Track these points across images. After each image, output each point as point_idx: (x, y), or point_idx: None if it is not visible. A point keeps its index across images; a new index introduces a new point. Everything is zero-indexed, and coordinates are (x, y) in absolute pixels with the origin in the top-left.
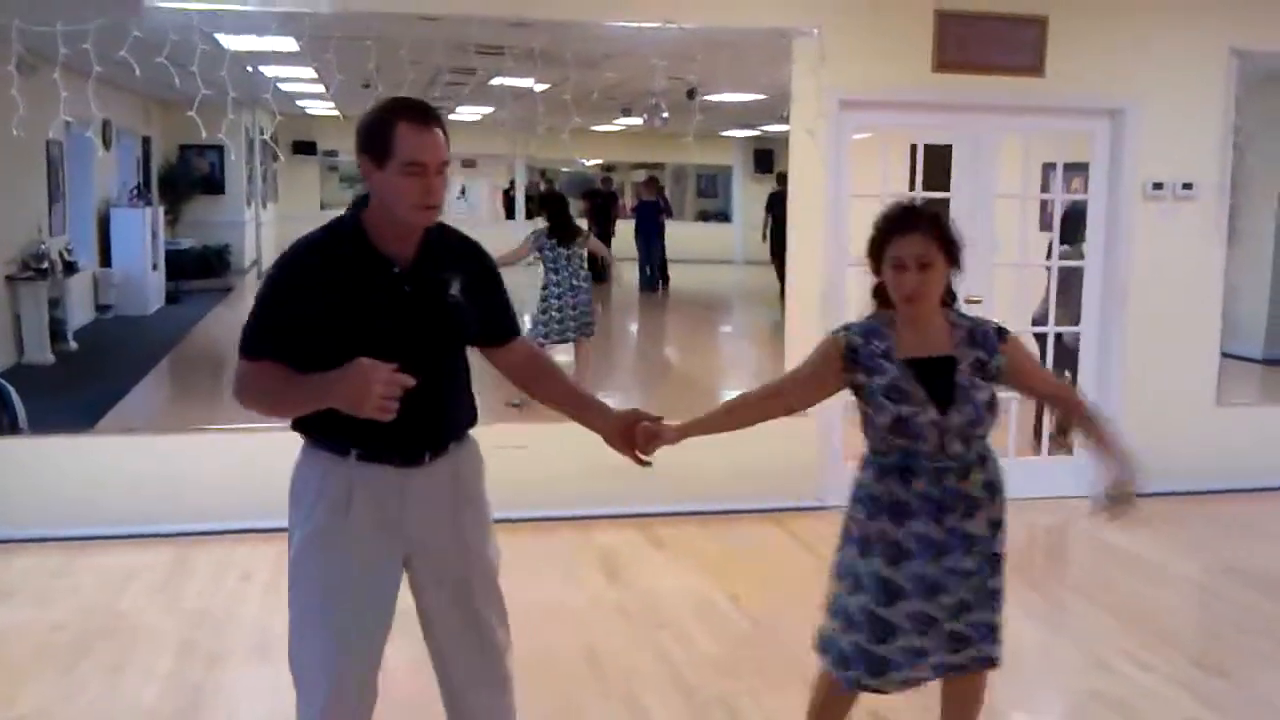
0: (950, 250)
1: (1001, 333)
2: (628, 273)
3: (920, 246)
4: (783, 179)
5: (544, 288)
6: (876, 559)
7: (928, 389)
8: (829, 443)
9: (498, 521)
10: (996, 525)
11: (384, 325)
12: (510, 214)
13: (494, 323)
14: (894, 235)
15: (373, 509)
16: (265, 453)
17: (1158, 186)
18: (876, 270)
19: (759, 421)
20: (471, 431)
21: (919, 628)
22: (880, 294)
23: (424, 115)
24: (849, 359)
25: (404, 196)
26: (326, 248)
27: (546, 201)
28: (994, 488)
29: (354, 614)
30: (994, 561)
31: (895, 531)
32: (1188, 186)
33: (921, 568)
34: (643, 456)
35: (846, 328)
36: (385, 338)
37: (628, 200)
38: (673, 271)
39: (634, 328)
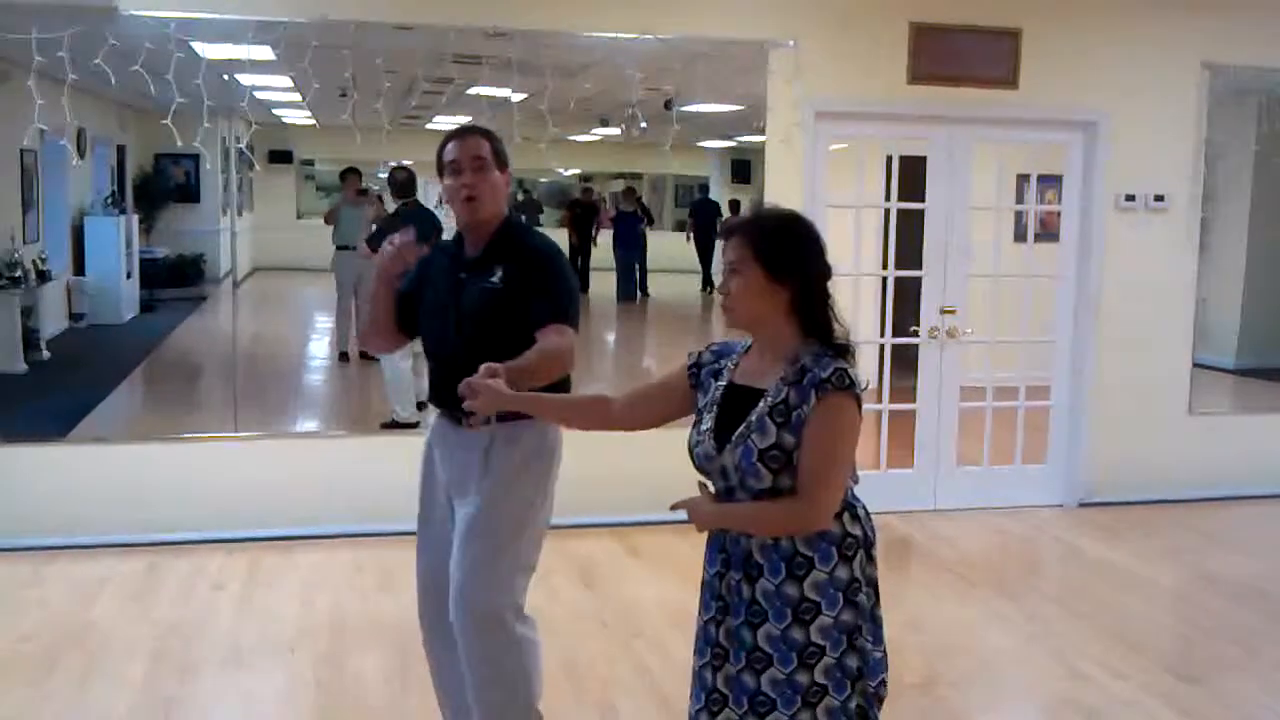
0: (770, 262)
1: (826, 385)
2: (605, 283)
3: (733, 252)
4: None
5: None
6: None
7: (723, 420)
8: None
9: None
10: (793, 607)
11: (433, 299)
12: None
13: (525, 310)
14: (722, 241)
15: (432, 452)
16: (237, 463)
17: (1130, 198)
18: None
19: (581, 424)
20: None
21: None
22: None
23: (462, 129)
24: (693, 373)
25: (450, 194)
26: (445, 247)
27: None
28: (792, 563)
29: (421, 531)
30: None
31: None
32: (1160, 198)
33: (701, 623)
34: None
35: (711, 344)
36: (435, 309)
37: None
38: (649, 280)
39: (611, 337)
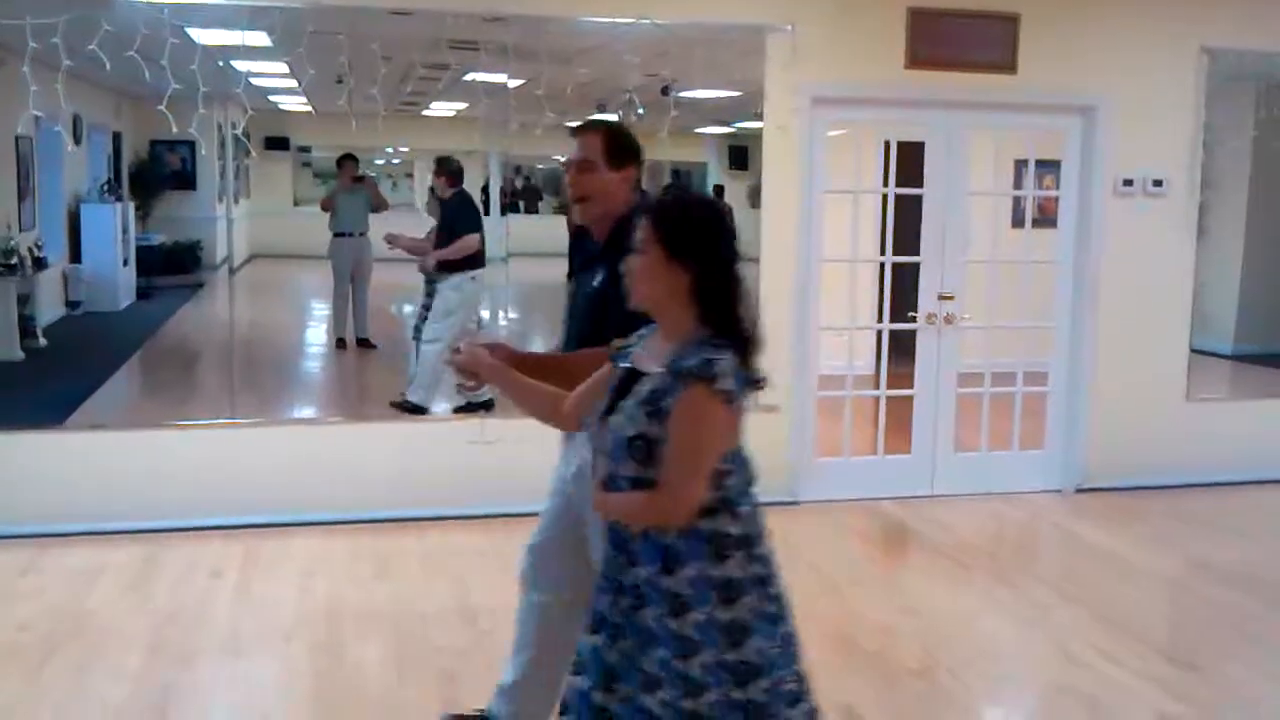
0: (670, 243)
1: (690, 375)
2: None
3: (639, 232)
4: (704, 175)
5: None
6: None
7: (614, 404)
8: (802, 438)
9: (476, 517)
10: (667, 599)
11: (566, 307)
12: (485, 210)
13: (617, 315)
14: None
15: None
16: (234, 450)
17: (1128, 183)
18: None
19: (539, 416)
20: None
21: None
22: None
23: (580, 126)
24: (613, 361)
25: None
26: (585, 237)
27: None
28: (666, 555)
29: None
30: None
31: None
32: (1158, 183)
33: (595, 605)
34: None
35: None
36: (568, 306)
37: None
38: None
39: None
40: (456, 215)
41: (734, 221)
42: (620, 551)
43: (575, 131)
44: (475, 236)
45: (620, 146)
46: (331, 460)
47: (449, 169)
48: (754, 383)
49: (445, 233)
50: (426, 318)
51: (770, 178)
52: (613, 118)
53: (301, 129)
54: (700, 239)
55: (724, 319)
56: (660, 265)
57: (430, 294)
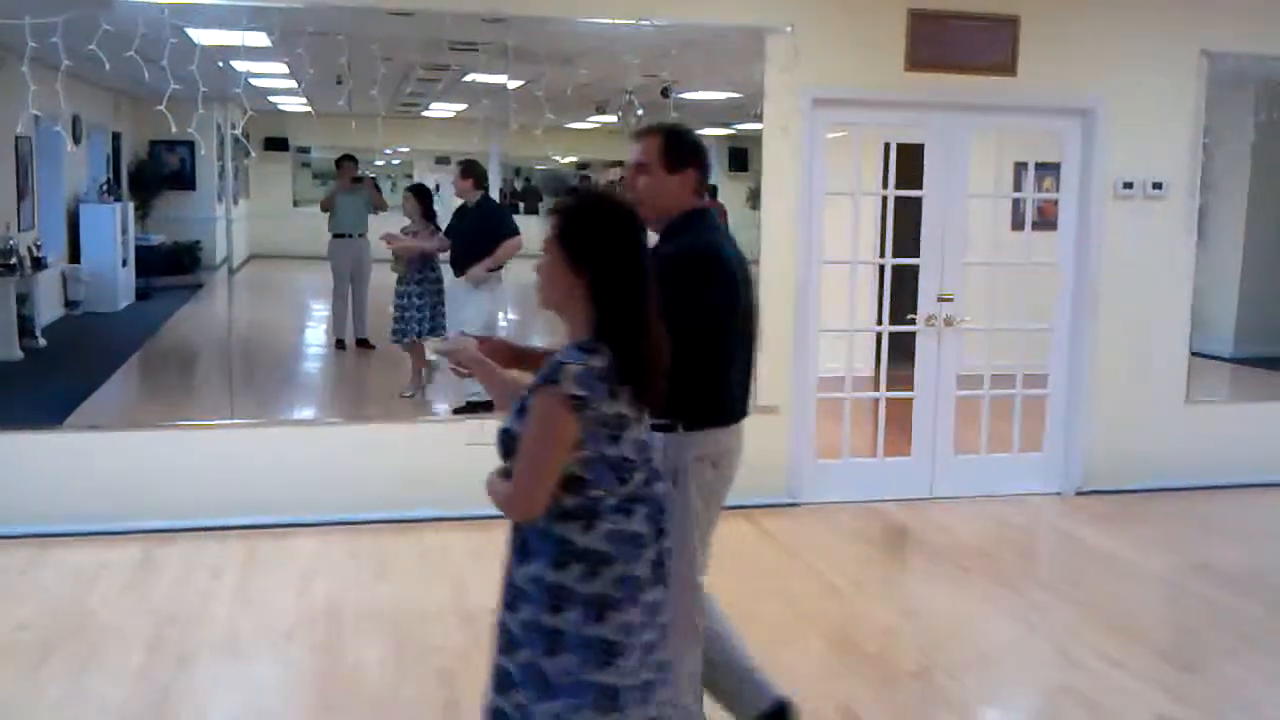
0: (571, 244)
1: (543, 378)
2: None
3: (547, 231)
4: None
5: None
6: None
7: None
8: (802, 440)
9: (475, 518)
10: (513, 588)
11: None
12: None
13: None
14: None
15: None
16: (234, 450)
17: (1128, 186)
18: None
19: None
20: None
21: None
22: None
23: (639, 130)
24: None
25: None
26: None
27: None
28: (521, 548)
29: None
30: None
31: None
32: (1158, 186)
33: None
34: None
35: None
36: None
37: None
38: None
39: None
40: (494, 219)
41: (639, 226)
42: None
43: (636, 135)
44: (519, 238)
45: (678, 149)
46: (331, 461)
47: (475, 172)
48: (644, 395)
49: (476, 238)
50: (403, 318)
51: (770, 179)
52: (612, 118)
53: (301, 129)
54: (598, 242)
55: (613, 324)
56: (559, 267)
57: (404, 294)
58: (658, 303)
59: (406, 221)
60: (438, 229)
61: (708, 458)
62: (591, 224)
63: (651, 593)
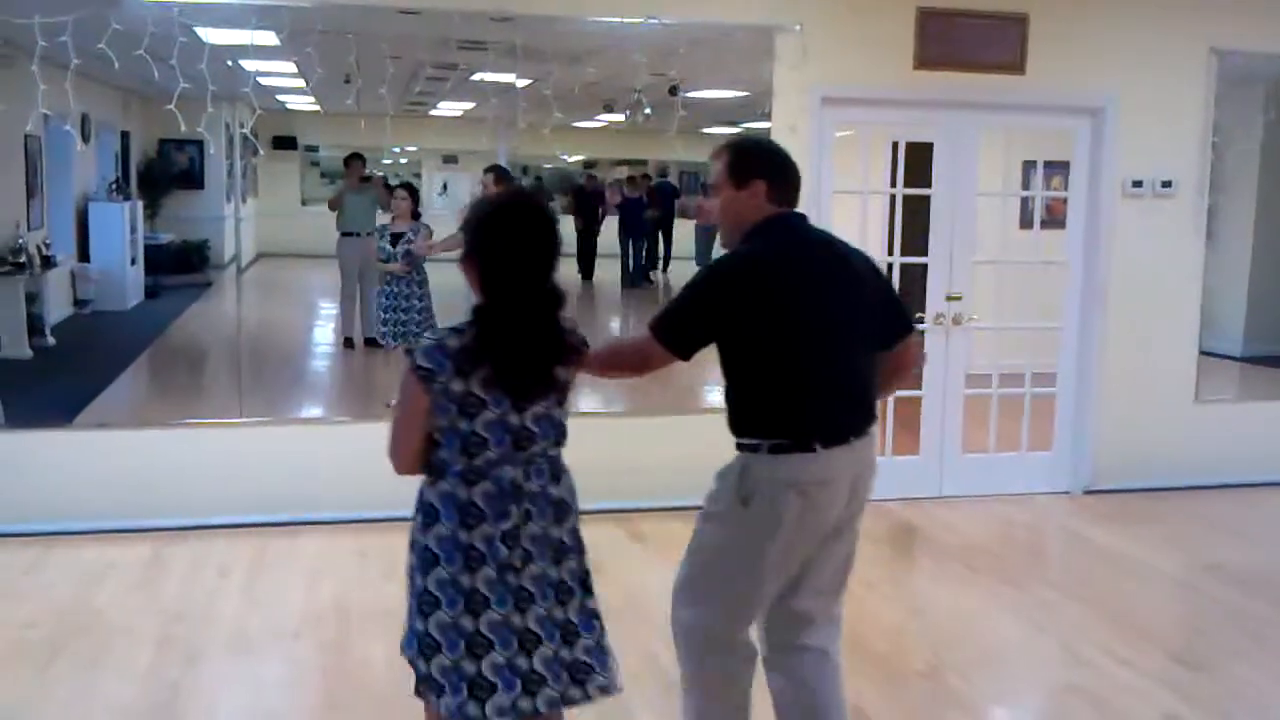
0: (469, 237)
1: (407, 353)
2: (609, 270)
3: None
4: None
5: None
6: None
7: None
8: None
9: None
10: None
11: None
12: None
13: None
14: None
15: None
16: (242, 449)
17: (1137, 184)
18: None
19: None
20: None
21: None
22: None
23: (714, 152)
24: None
25: None
26: None
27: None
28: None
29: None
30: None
31: None
32: (1167, 184)
33: None
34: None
35: None
36: None
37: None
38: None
39: (615, 325)
40: None
41: (531, 224)
42: None
43: (711, 159)
44: None
45: (742, 164)
46: (339, 459)
47: (508, 176)
48: (504, 378)
49: None
50: (402, 320)
51: None
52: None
53: (309, 128)
54: (482, 236)
55: (482, 309)
56: (466, 257)
57: (401, 295)
58: (555, 300)
59: (389, 218)
60: (428, 228)
61: (794, 485)
62: (483, 220)
63: (484, 571)
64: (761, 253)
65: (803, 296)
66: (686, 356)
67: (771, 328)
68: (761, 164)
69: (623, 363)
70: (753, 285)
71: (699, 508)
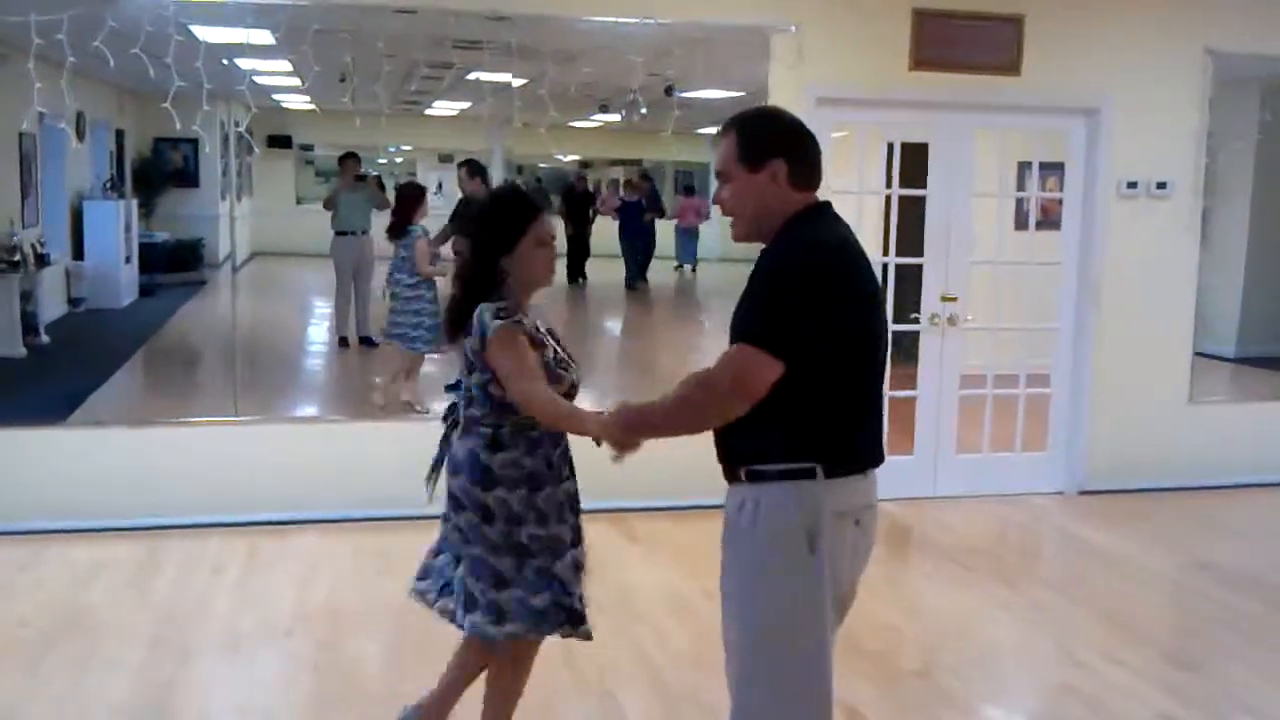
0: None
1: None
2: (605, 272)
3: None
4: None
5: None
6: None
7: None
8: None
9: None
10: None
11: None
12: None
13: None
14: (541, 214)
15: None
16: (236, 447)
17: (1132, 185)
18: (508, 250)
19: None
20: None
21: None
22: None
23: (716, 133)
24: (533, 341)
25: None
26: None
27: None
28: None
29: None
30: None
31: None
32: (1162, 185)
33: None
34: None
35: (502, 316)
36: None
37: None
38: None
39: (616, 326)
40: None
41: (503, 214)
42: None
43: (714, 141)
44: None
45: (754, 142)
46: (333, 458)
47: (483, 171)
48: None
49: None
50: (418, 324)
51: None
52: (615, 116)
53: (304, 127)
54: (474, 228)
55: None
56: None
57: (419, 299)
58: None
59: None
60: (424, 230)
61: (850, 513)
62: (477, 216)
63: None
64: (845, 244)
65: (876, 299)
66: (790, 368)
67: (857, 331)
68: (777, 139)
69: (707, 401)
70: (850, 279)
71: (694, 507)
